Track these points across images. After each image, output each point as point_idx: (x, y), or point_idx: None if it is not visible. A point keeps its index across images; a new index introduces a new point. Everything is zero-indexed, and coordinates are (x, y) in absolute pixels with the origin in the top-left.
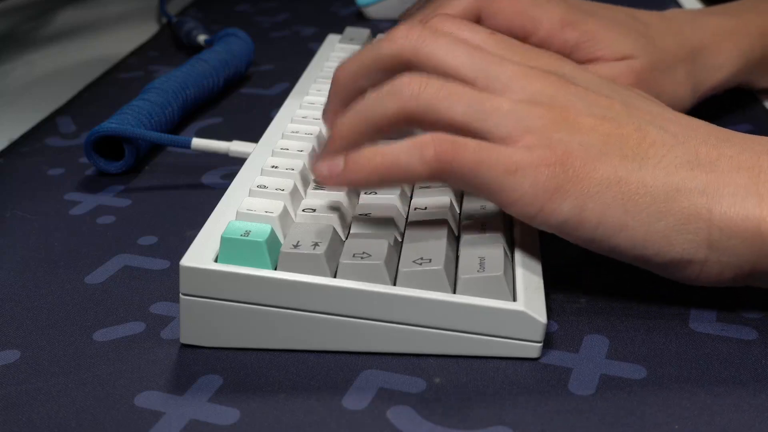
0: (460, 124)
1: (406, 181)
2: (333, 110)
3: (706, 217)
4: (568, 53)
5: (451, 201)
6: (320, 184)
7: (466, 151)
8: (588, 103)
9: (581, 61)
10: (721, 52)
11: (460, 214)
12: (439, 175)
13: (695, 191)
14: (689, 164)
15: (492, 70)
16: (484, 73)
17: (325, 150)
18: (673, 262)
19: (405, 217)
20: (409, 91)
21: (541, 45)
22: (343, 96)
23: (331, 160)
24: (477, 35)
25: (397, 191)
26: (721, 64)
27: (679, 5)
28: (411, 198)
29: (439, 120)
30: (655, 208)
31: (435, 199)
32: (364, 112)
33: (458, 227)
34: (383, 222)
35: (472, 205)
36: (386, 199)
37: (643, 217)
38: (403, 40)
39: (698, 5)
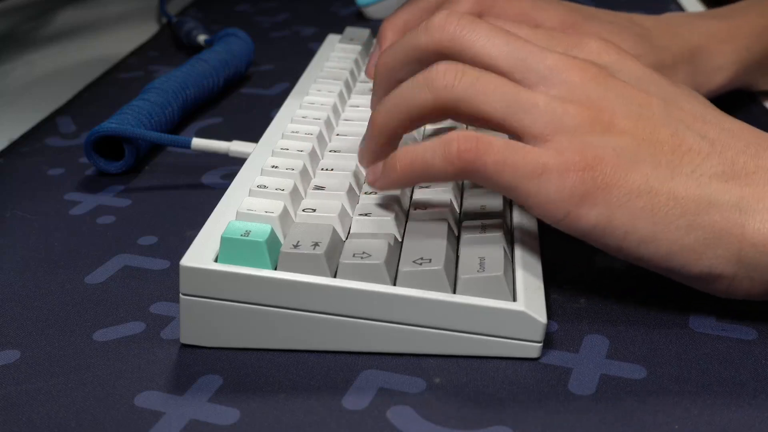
0: (495, 118)
1: (434, 179)
2: (376, 101)
3: (738, 233)
4: None
5: (451, 201)
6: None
7: (491, 150)
8: (626, 101)
9: None
10: (719, 55)
11: (460, 214)
12: (463, 174)
13: (728, 205)
14: (724, 175)
15: (531, 60)
16: (522, 64)
17: (364, 137)
18: (701, 275)
19: (405, 217)
20: (443, 82)
21: None
22: (385, 88)
23: (374, 167)
24: (518, 29)
25: (397, 191)
26: (719, 67)
27: (680, 7)
28: (411, 198)
29: (473, 113)
30: (685, 221)
31: (435, 199)
32: (399, 102)
33: (458, 227)
34: (383, 222)
35: (472, 205)
36: (386, 199)
37: (672, 230)
38: (441, 30)
39: (699, 8)
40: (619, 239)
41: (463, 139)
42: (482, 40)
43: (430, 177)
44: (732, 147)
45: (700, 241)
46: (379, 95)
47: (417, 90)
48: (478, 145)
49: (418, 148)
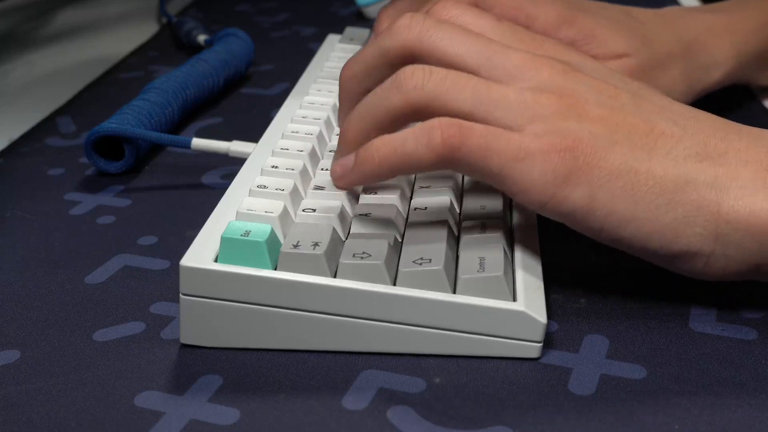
0: (466, 114)
1: (415, 169)
2: (343, 114)
3: (714, 210)
4: None
5: (451, 201)
6: (339, 188)
7: (474, 136)
8: (596, 93)
9: None
10: (716, 49)
11: (460, 214)
12: (446, 162)
13: (704, 184)
14: (698, 156)
15: (497, 58)
16: (489, 62)
17: (337, 153)
18: (679, 254)
19: (405, 217)
20: (412, 83)
21: None
22: (352, 98)
23: (343, 159)
24: (483, 21)
25: (397, 191)
26: (716, 62)
27: (677, 2)
28: (411, 198)
29: (445, 111)
30: (664, 200)
31: (435, 200)
32: (370, 109)
33: (458, 227)
34: (383, 222)
35: (472, 205)
36: (386, 200)
37: (651, 209)
38: (405, 32)
39: (695, 2)
40: (601, 220)
41: (446, 126)
42: (447, 40)
43: (408, 168)
44: (702, 131)
45: (679, 220)
46: (346, 107)
47: (386, 93)
48: (461, 131)
49: (396, 137)
